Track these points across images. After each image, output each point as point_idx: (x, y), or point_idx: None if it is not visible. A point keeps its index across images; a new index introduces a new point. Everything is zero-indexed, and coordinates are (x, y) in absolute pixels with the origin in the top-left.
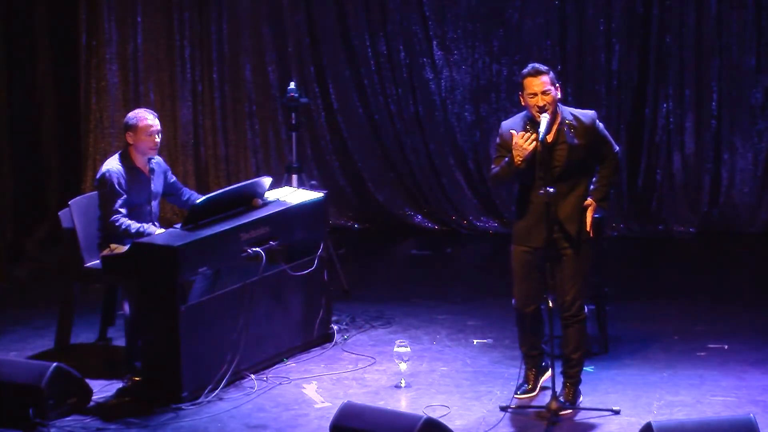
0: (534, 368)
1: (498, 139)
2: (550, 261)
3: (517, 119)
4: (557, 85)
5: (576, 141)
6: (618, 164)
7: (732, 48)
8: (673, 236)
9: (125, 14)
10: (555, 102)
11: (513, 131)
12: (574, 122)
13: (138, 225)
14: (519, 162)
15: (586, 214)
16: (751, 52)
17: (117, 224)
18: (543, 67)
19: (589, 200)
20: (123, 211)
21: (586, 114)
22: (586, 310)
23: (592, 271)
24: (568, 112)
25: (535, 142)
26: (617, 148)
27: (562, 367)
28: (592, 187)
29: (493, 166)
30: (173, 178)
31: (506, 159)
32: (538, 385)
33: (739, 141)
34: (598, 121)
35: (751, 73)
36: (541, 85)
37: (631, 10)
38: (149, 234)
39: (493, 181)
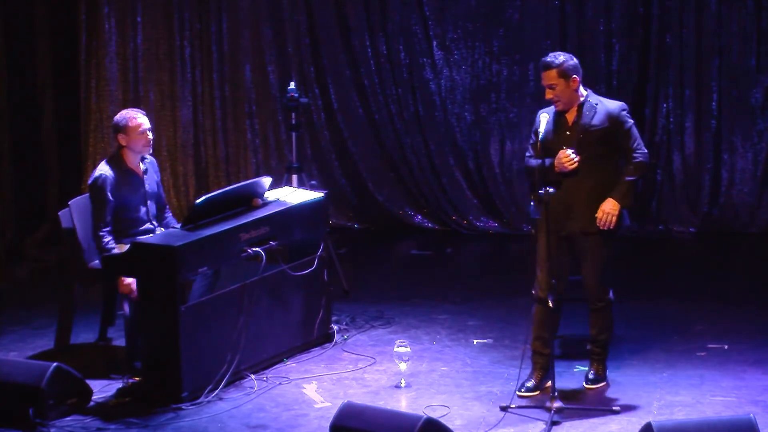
0: (542, 370)
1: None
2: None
3: (553, 106)
4: (573, 77)
5: (592, 122)
6: (640, 165)
7: (732, 48)
8: (673, 236)
9: (125, 14)
10: (565, 94)
11: (545, 114)
12: (595, 105)
13: (118, 252)
14: (557, 171)
15: (601, 205)
16: (751, 52)
17: (103, 241)
18: (552, 60)
19: (609, 199)
20: (109, 219)
21: (613, 102)
22: (611, 294)
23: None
24: (595, 96)
25: (576, 164)
26: (644, 150)
27: (589, 346)
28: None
29: (527, 154)
30: (163, 198)
31: (543, 161)
32: (542, 387)
33: (739, 141)
34: (626, 114)
35: (751, 73)
36: (546, 78)
37: (631, 10)
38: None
39: (525, 170)
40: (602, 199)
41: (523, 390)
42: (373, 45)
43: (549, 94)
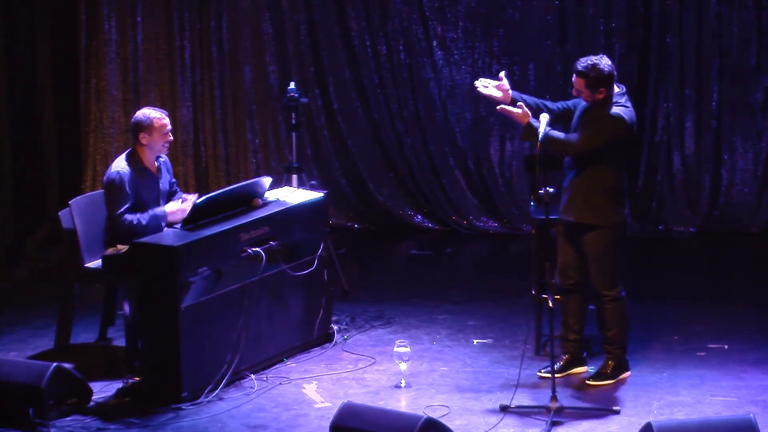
0: (569, 354)
1: None
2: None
3: None
4: (600, 89)
5: (575, 116)
6: (565, 144)
7: (732, 48)
8: (673, 236)
9: (125, 14)
10: (589, 100)
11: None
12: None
13: (145, 214)
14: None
15: (594, 203)
16: (751, 52)
17: (127, 223)
18: (583, 67)
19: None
20: (127, 205)
21: (611, 108)
22: (620, 292)
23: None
24: (613, 103)
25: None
26: (578, 140)
27: (602, 343)
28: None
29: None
30: (175, 186)
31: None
32: (567, 371)
33: (739, 141)
34: (612, 114)
35: (751, 73)
36: (576, 83)
37: (631, 10)
38: (161, 214)
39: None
40: (590, 191)
41: (543, 371)
42: (373, 45)
43: (575, 93)
